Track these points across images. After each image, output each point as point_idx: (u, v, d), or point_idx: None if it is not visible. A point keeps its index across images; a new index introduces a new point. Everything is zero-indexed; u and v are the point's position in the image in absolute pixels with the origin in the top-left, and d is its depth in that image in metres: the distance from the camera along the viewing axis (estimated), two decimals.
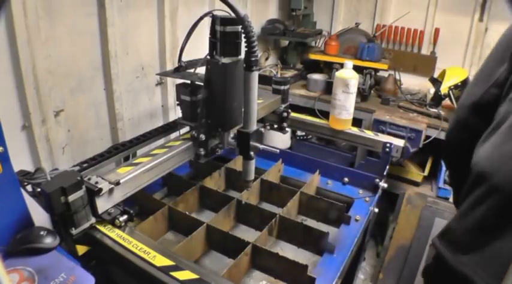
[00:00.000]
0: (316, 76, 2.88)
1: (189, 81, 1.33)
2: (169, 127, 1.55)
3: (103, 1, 1.70)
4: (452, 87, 2.37)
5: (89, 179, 1.03)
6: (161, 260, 0.96)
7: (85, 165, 1.24)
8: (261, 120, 1.68)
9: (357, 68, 1.75)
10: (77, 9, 1.65)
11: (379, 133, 1.67)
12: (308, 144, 2.79)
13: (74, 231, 0.98)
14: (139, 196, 1.21)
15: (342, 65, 1.85)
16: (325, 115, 1.94)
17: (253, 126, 1.15)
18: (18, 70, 1.44)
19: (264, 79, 1.52)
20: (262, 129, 1.21)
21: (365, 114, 2.56)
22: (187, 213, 1.33)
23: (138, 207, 1.18)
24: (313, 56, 2.92)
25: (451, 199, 2.06)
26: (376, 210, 1.49)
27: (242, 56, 1.10)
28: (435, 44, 2.98)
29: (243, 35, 1.03)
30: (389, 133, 2.29)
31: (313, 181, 1.56)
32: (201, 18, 1.22)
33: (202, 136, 1.24)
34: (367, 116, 2.55)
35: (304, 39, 3.02)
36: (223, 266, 1.10)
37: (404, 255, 2.26)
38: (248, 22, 1.00)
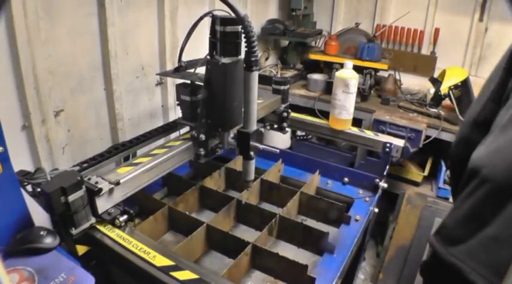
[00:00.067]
0: (316, 76, 2.88)
1: (189, 81, 1.33)
2: (169, 127, 1.55)
3: (103, 1, 1.70)
4: (452, 87, 2.37)
5: (89, 179, 1.03)
6: (161, 260, 0.96)
7: (85, 165, 1.24)
8: (261, 120, 1.68)
9: (357, 68, 1.75)
10: (77, 9, 1.65)
11: (379, 133, 1.67)
12: (308, 144, 2.79)
13: (74, 231, 0.98)
14: (139, 196, 1.21)
15: (342, 65, 1.85)
16: (325, 115, 1.94)
17: (253, 126, 1.15)
18: (18, 70, 1.44)
19: (264, 79, 1.52)
20: (262, 129, 1.21)
21: (365, 114, 2.56)
22: (187, 213, 1.33)
23: (138, 207, 1.17)
24: (313, 56, 2.92)
25: (451, 199, 2.06)
26: (376, 210, 1.49)
27: (242, 56, 1.10)
28: (435, 44, 2.98)
29: (243, 35, 1.03)
30: (389, 133, 2.29)
31: (313, 181, 1.56)
32: (201, 18, 1.22)
33: (202, 136, 1.24)
34: (367, 116, 2.55)
35: (304, 39, 3.02)
36: (223, 266, 1.10)
37: (404, 255, 2.26)
38: (248, 22, 1.00)
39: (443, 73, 2.48)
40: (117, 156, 1.35)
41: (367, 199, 1.52)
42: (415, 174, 2.58)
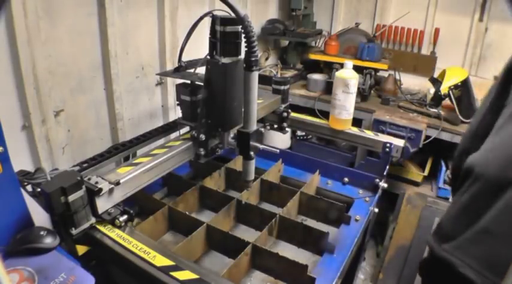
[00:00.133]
0: (316, 76, 2.88)
1: (189, 81, 1.33)
2: (169, 127, 1.55)
3: (103, 1, 1.70)
4: (452, 87, 2.37)
5: (89, 179, 1.03)
6: (161, 260, 0.96)
7: (85, 165, 1.24)
8: (261, 120, 1.68)
9: (357, 68, 1.75)
10: (77, 9, 1.65)
11: (379, 133, 1.67)
12: (308, 144, 2.79)
13: (74, 231, 0.98)
14: (139, 196, 1.21)
15: (342, 65, 1.85)
16: (325, 115, 1.94)
17: (253, 126, 1.15)
18: (18, 70, 1.44)
19: (264, 79, 1.52)
20: (262, 129, 1.21)
21: (365, 114, 2.56)
22: (187, 213, 1.33)
23: (138, 207, 1.18)
24: (313, 56, 2.92)
25: (451, 199, 2.06)
26: (376, 210, 1.49)
27: (242, 56, 1.10)
28: (435, 44, 2.98)
29: (243, 35, 1.03)
30: (389, 133, 2.29)
31: (313, 181, 1.56)
32: (201, 18, 1.22)
33: (202, 136, 1.24)
34: (367, 116, 2.55)
35: (304, 39, 3.02)
36: (223, 266, 1.10)
37: (405, 255, 2.26)
38: (248, 22, 1.00)
39: (443, 74, 2.48)
40: (117, 156, 1.35)
41: (367, 199, 1.52)
42: (415, 174, 2.58)
